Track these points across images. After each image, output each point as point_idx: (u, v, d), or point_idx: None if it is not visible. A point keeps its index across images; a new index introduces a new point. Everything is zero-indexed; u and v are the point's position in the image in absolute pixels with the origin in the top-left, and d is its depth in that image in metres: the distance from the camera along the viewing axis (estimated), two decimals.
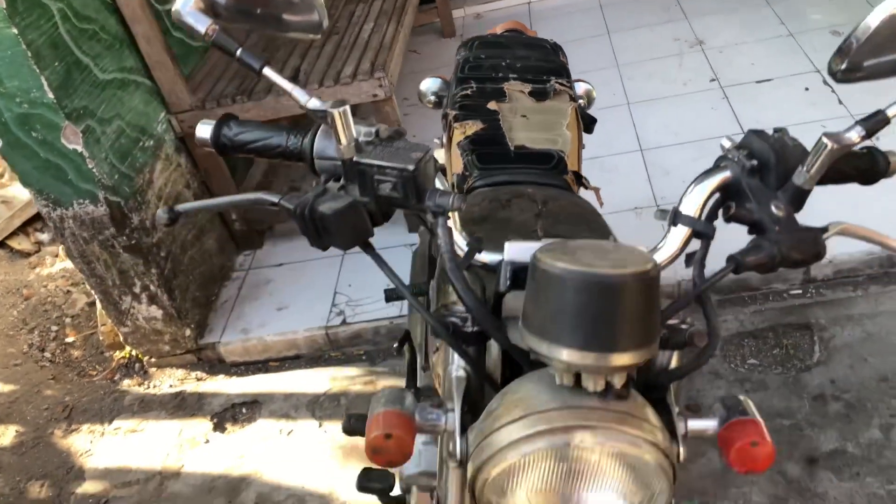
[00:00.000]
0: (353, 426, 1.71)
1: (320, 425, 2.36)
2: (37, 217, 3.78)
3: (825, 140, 0.83)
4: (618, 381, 0.75)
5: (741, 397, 0.84)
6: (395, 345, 1.63)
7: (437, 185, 0.84)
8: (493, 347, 0.91)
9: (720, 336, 0.83)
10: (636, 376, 0.80)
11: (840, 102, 3.07)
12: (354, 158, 0.82)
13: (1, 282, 3.39)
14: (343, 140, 0.82)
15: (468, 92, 1.64)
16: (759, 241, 0.84)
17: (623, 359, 0.72)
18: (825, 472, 1.96)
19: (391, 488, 1.57)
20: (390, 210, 0.86)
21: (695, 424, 0.84)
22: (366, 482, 1.58)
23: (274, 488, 2.18)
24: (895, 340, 2.24)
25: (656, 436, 0.76)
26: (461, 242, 0.92)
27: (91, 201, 2.36)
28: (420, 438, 1.45)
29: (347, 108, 0.80)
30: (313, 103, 0.82)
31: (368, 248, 0.89)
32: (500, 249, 0.89)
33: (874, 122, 0.84)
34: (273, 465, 2.26)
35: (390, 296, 2.02)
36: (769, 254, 0.83)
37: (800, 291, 2.50)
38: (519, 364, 0.87)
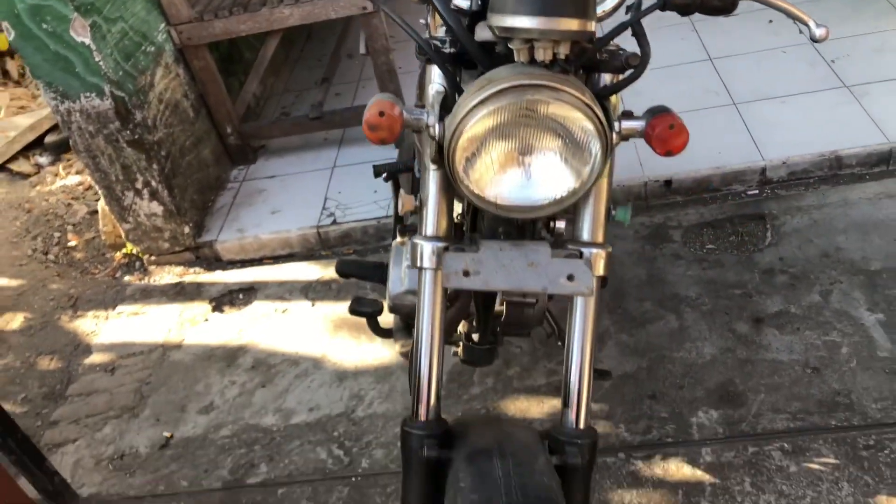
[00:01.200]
0: (360, 308, 1.86)
1: (313, 305, 2.55)
2: (36, 143, 3.92)
3: None
4: (563, 52, 0.94)
5: (664, 105, 1.04)
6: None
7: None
8: (465, 74, 1.10)
9: (650, 58, 1.02)
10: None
11: (800, 33, 3.29)
12: None
13: (2, 199, 3.54)
14: None
15: None
16: None
17: (567, 24, 0.91)
18: (770, 328, 2.17)
19: (379, 312, 1.76)
20: None
21: (628, 123, 1.04)
22: (357, 306, 1.77)
23: (270, 354, 2.37)
24: (838, 225, 2.46)
25: (593, 102, 0.95)
26: None
27: (97, 95, 2.51)
28: (404, 263, 1.64)
29: None
30: None
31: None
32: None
33: None
34: (269, 337, 2.44)
35: (379, 171, 2.19)
36: None
37: (756, 192, 2.72)
38: None
